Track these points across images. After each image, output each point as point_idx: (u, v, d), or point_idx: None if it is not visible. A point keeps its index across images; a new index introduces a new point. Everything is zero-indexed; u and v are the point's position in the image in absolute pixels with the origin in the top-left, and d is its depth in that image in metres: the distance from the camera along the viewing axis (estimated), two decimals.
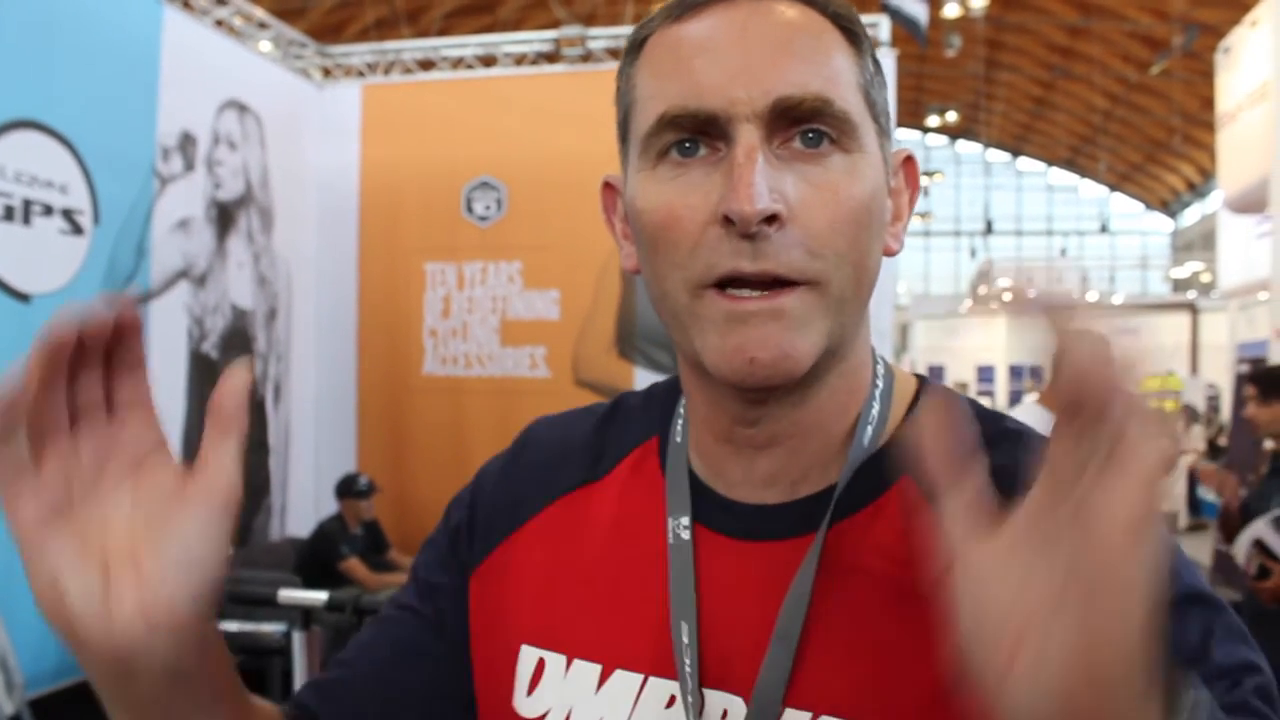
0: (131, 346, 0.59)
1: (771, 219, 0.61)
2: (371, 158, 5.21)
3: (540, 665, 0.75)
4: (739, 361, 0.63)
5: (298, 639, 2.65)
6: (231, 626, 3.23)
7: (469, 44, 5.36)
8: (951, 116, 22.37)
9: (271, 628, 3.15)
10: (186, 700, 0.59)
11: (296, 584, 4.03)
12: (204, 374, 4.35)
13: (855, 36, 0.68)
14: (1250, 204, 6.69)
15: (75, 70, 3.55)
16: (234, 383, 0.58)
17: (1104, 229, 28.93)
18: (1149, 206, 32.06)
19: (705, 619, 0.69)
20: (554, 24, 6.58)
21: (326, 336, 5.26)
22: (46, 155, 3.46)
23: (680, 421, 0.78)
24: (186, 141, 4.20)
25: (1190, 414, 13.30)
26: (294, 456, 5.08)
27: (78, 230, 3.60)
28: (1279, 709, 0.60)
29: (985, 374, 16.50)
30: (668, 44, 0.67)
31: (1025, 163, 31.95)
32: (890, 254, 0.70)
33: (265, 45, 5.14)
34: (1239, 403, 6.28)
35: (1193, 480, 10.52)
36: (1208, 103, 12.00)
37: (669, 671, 0.70)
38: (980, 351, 16.63)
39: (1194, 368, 15.93)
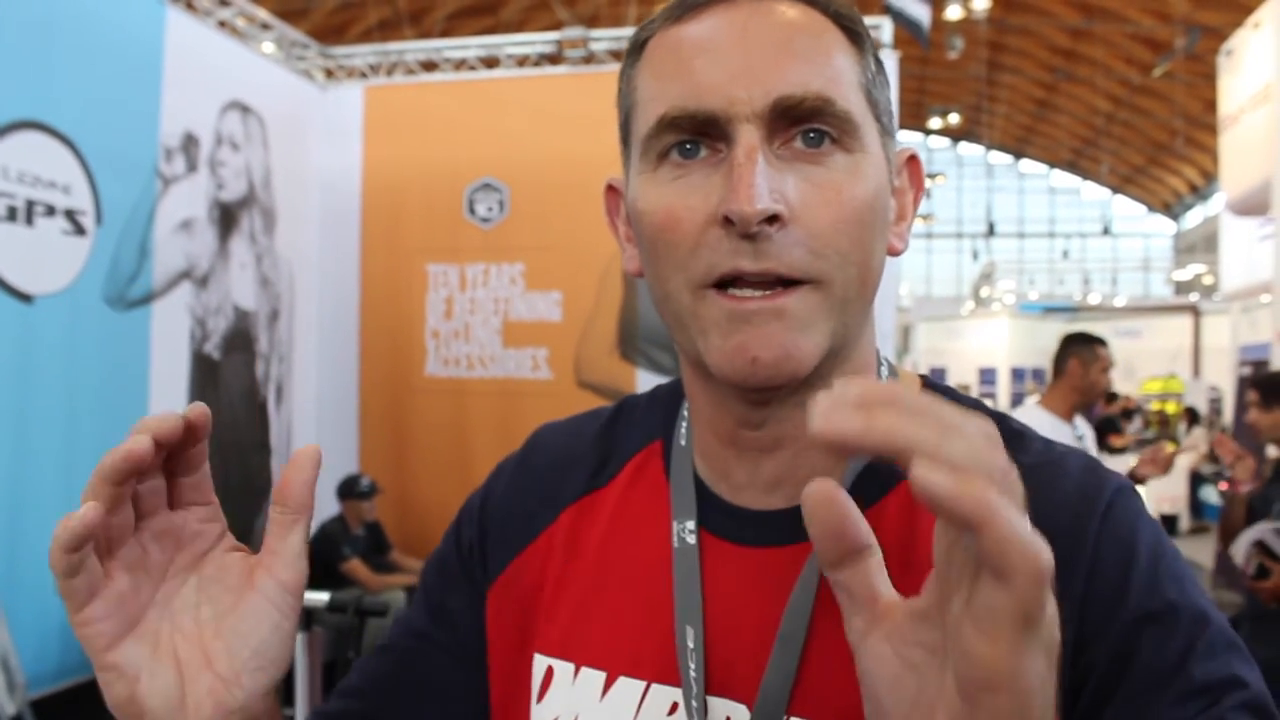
0: (198, 445, 0.58)
1: (773, 219, 0.61)
2: (374, 159, 5.21)
3: (549, 673, 0.75)
4: (741, 361, 0.62)
5: (299, 640, 2.65)
6: None
7: (471, 45, 5.37)
8: (954, 118, 22.37)
9: None
10: None
11: None
12: (206, 375, 4.35)
13: (857, 36, 0.67)
14: (1253, 206, 6.68)
15: (78, 71, 3.55)
16: (301, 468, 0.57)
17: (1106, 231, 28.94)
18: (1151, 209, 32.05)
19: (709, 625, 0.69)
20: (556, 25, 6.58)
21: (328, 337, 5.26)
22: (49, 156, 3.46)
23: (684, 424, 0.77)
24: (189, 142, 4.21)
25: (1192, 417, 13.30)
26: None
27: (80, 231, 3.60)
28: None
29: (987, 376, 16.48)
30: (668, 45, 0.67)
31: (1028, 165, 31.97)
32: (894, 253, 0.70)
33: (268, 46, 5.14)
34: (1241, 406, 6.28)
35: (1195, 482, 10.51)
36: (1210, 105, 12.00)
37: (671, 678, 0.69)
38: (982, 354, 16.60)
39: (1196, 370, 15.90)
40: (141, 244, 3.91)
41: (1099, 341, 3.90)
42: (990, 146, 30.29)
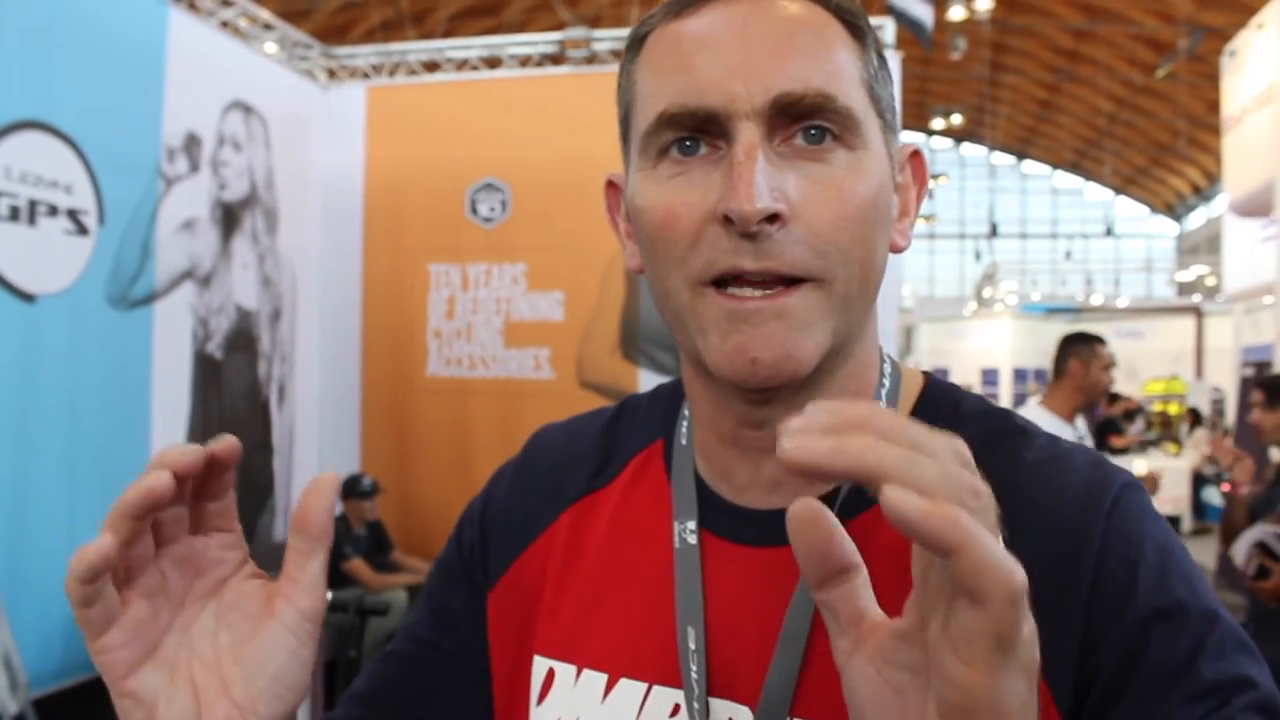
0: (225, 475, 0.57)
1: (773, 218, 0.60)
2: (376, 159, 5.21)
3: (550, 676, 0.75)
4: (741, 361, 0.62)
5: None
6: None
7: (474, 46, 5.37)
8: (956, 119, 22.33)
9: None
10: None
11: None
12: (208, 375, 4.35)
13: (859, 31, 0.66)
14: (1256, 207, 6.67)
15: (80, 71, 3.56)
16: (319, 495, 0.56)
17: (1109, 232, 28.91)
18: (1154, 210, 32.02)
19: (710, 626, 0.68)
20: (559, 26, 6.58)
21: (331, 337, 5.26)
22: (51, 156, 3.46)
23: (685, 424, 0.77)
24: (191, 142, 4.21)
25: (1195, 418, 13.28)
26: (298, 457, 5.08)
27: (83, 231, 3.61)
28: None
29: (989, 376, 16.45)
30: (668, 40, 0.66)
31: (1030, 165, 31.95)
32: (897, 250, 0.69)
33: (270, 47, 5.14)
34: (1244, 407, 6.27)
35: (1197, 484, 10.50)
36: (1213, 106, 11.99)
37: (673, 680, 0.69)
38: (985, 354, 16.58)
39: (1199, 371, 15.88)
40: (144, 244, 3.91)
41: (1098, 340, 3.90)
42: (993, 147, 30.28)
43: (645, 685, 0.70)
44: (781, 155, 0.62)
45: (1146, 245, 32.31)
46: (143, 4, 3.94)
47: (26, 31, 3.34)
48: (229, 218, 4.49)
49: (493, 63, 5.30)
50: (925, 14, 5.88)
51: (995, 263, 26.98)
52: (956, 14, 14.52)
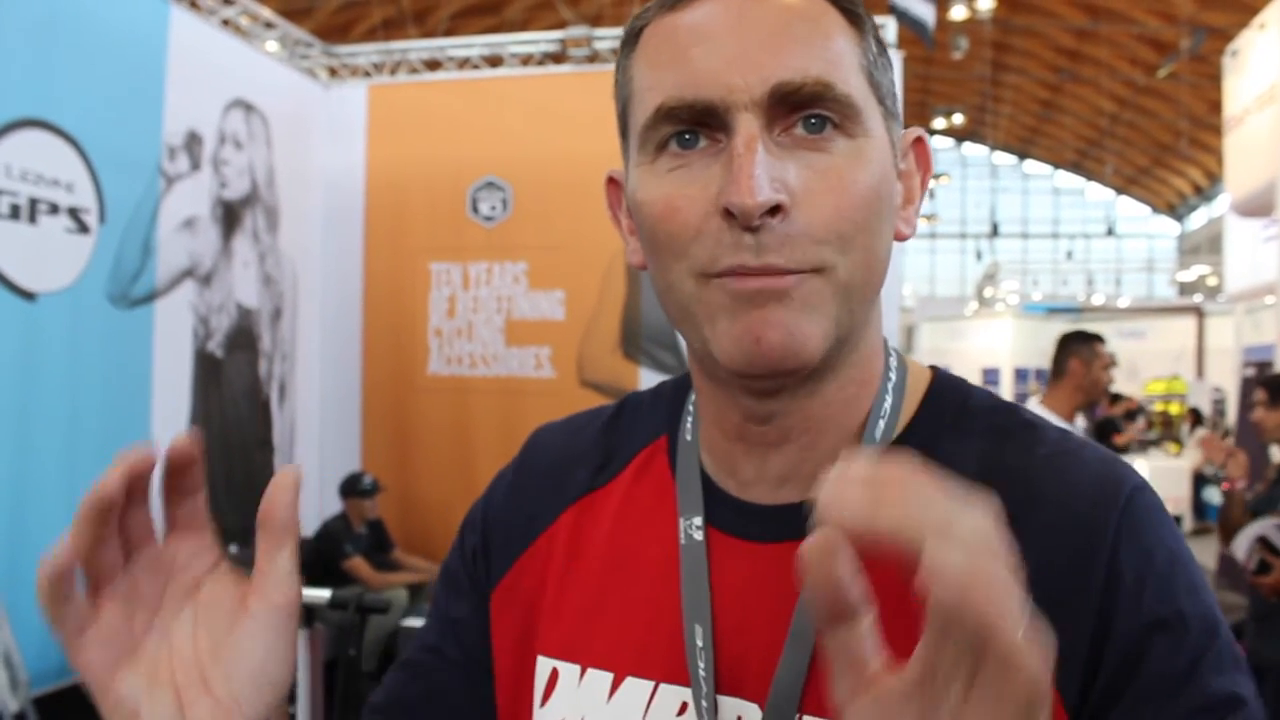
0: (188, 474, 0.57)
1: (775, 210, 0.59)
2: (377, 158, 5.21)
3: (554, 676, 0.74)
4: (748, 341, 0.61)
5: (301, 637, 2.65)
6: None
7: (475, 44, 5.36)
8: (958, 119, 22.32)
9: None
10: None
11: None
12: (209, 373, 4.35)
13: (856, 18, 0.66)
14: (1257, 207, 6.67)
15: (81, 69, 3.56)
16: (283, 489, 0.56)
17: (1110, 232, 28.92)
18: (1155, 210, 32.01)
19: (718, 623, 0.68)
20: (560, 24, 6.58)
21: (331, 336, 5.26)
22: (52, 154, 3.46)
23: (690, 419, 0.76)
24: (192, 141, 4.21)
25: (1196, 418, 13.29)
26: (298, 455, 5.09)
27: (84, 229, 3.61)
28: None
29: (990, 376, 16.44)
30: (664, 34, 0.65)
31: (1032, 165, 31.95)
32: (901, 239, 0.69)
33: (271, 45, 5.14)
34: (1245, 407, 6.26)
35: (1198, 483, 10.50)
36: (1215, 106, 11.98)
37: (680, 678, 0.68)
38: (985, 354, 16.56)
39: (1200, 372, 15.88)
40: (145, 242, 3.91)
41: (1097, 339, 3.89)
42: (994, 147, 30.28)
43: (652, 683, 0.70)
44: (781, 145, 0.61)
45: (1148, 245, 32.30)
46: (144, 2, 3.95)
47: (28, 30, 3.34)
48: (230, 216, 4.49)
49: (494, 61, 5.30)
50: (927, 13, 5.87)
51: (996, 262, 26.96)
52: (958, 13, 14.53)
